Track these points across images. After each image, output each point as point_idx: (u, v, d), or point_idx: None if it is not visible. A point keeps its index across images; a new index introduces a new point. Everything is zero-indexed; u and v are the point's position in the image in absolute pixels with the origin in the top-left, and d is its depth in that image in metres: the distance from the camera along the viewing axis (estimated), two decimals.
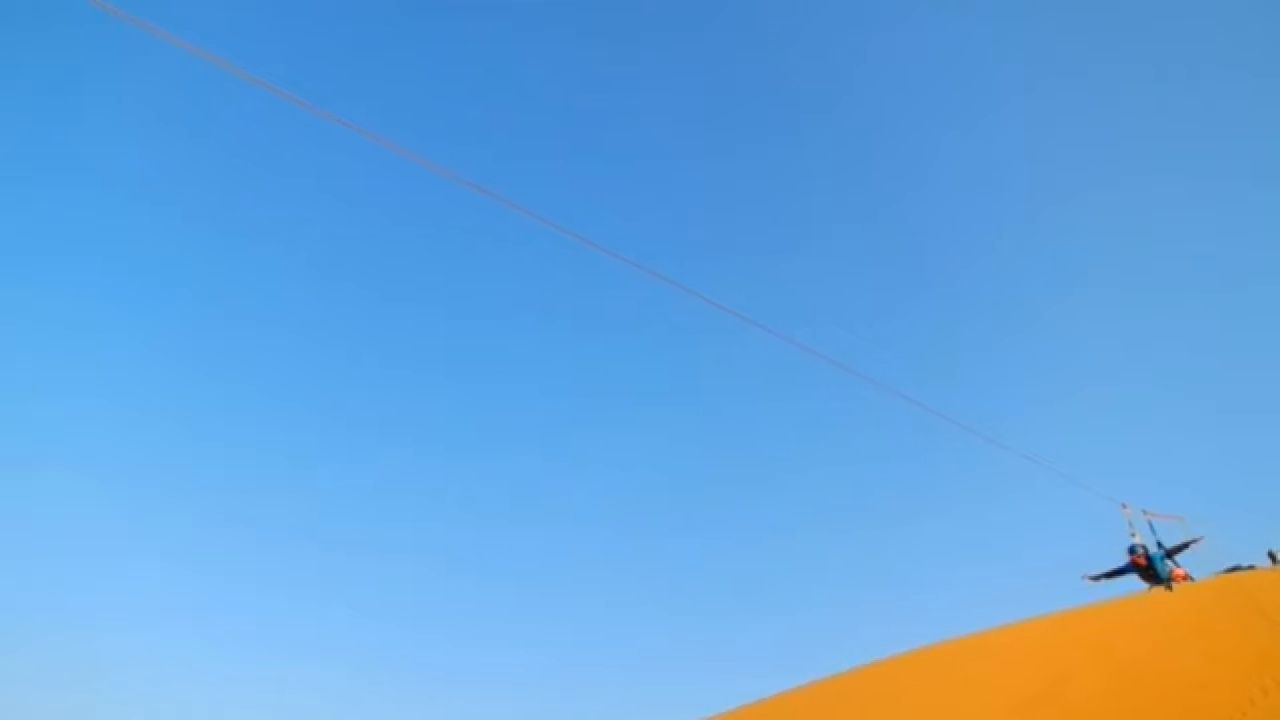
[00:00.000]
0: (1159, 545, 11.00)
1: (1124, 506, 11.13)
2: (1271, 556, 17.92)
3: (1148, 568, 10.66)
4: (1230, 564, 17.66)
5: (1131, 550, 10.86)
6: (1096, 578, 10.87)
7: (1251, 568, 17.16)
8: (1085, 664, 12.79)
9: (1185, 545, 10.99)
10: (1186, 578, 11.06)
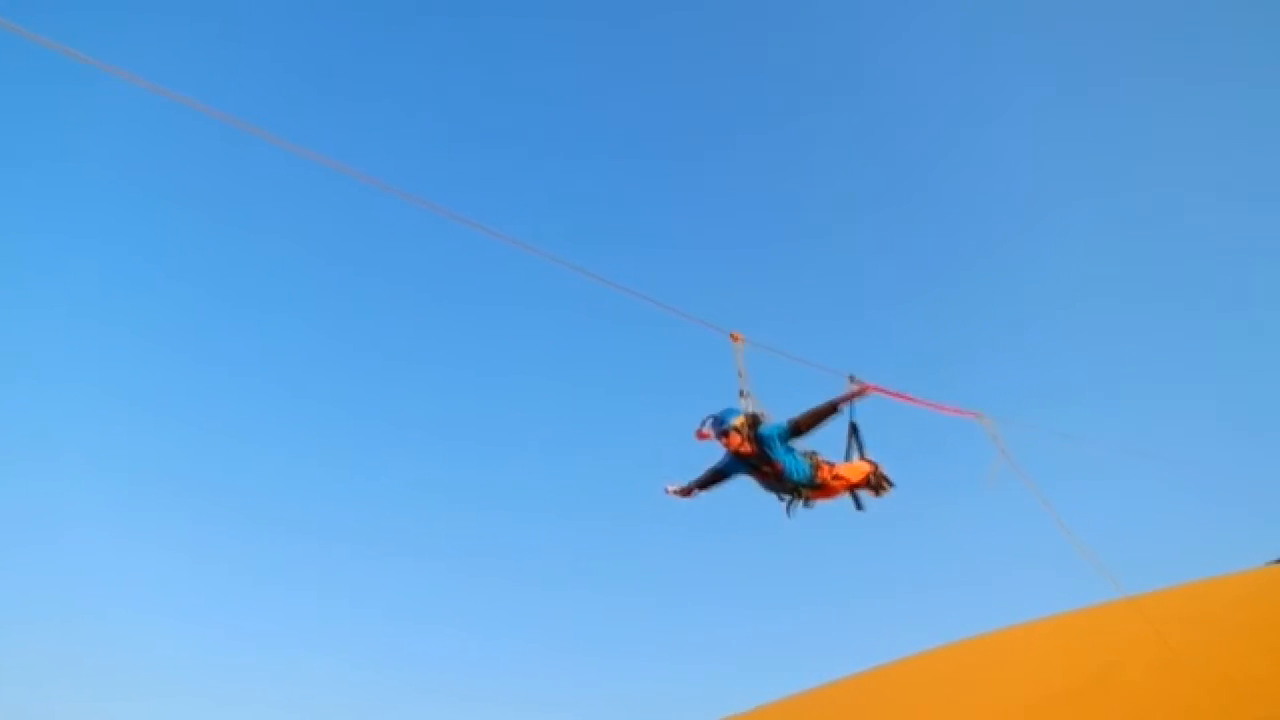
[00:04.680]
0: (793, 423, 5.59)
1: (736, 339, 5.75)
2: None
3: (762, 459, 5.52)
4: None
5: (719, 423, 5.47)
6: (687, 490, 5.85)
7: None
8: (1131, 655, 12.58)
9: (829, 410, 5.55)
10: (879, 481, 5.96)
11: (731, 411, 5.63)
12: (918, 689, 15.30)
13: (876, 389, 5.95)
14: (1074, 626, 13.99)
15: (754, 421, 5.64)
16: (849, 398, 5.70)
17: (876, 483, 6.04)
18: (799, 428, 5.63)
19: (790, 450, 5.70)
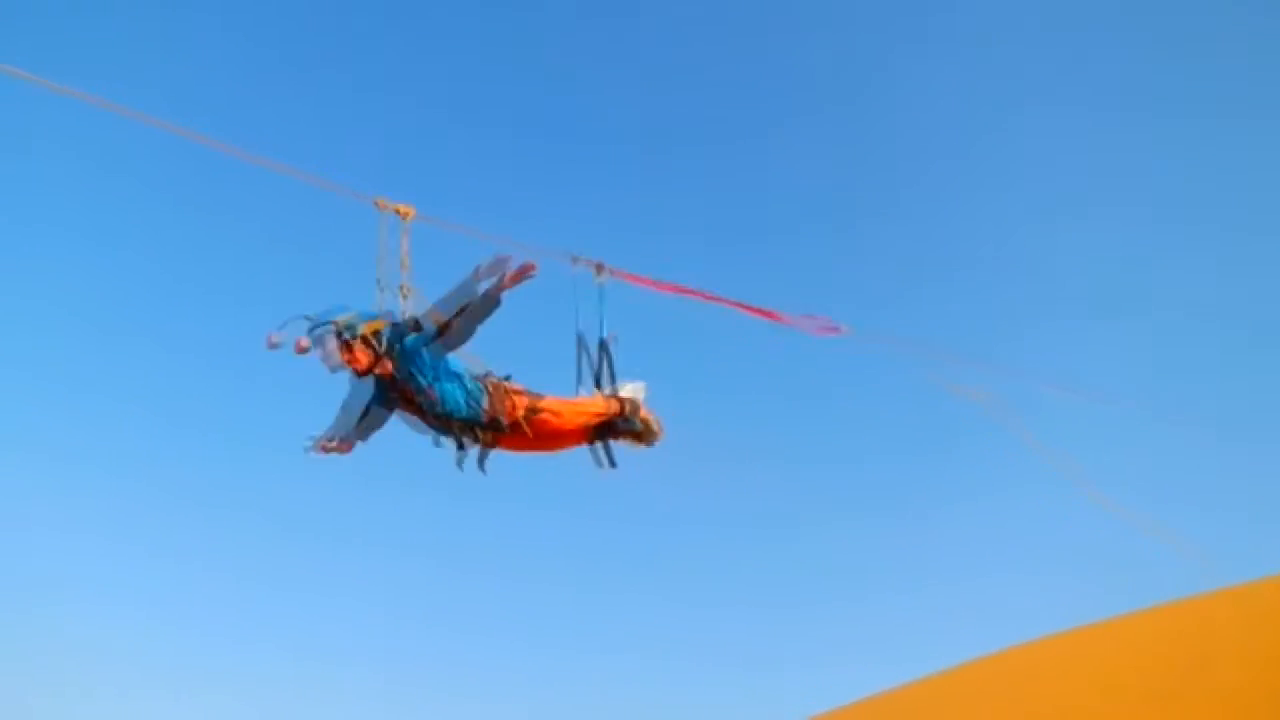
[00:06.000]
0: (441, 326, 3.97)
1: (389, 208, 4.14)
2: None
3: (409, 384, 3.91)
4: None
5: (346, 331, 3.83)
6: (340, 444, 4.18)
7: None
8: (1223, 652, 11.52)
9: (487, 302, 3.87)
10: (646, 426, 4.48)
11: (360, 315, 3.85)
12: (994, 690, 14.60)
13: (625, 275, 4.45)
14: (1160, 621, 12.98)
15: (400, 330, 3.91)
16: (507, 281, 3.84)
17: (644, 429, 4.44)
18: (449, 334, 3.88)
19: (446, 368, 3.91)
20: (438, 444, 4.19)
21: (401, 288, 4.16)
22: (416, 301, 4.12)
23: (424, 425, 4.13)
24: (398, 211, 4.17)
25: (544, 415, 4.21)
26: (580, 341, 4.56)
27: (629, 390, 4.54)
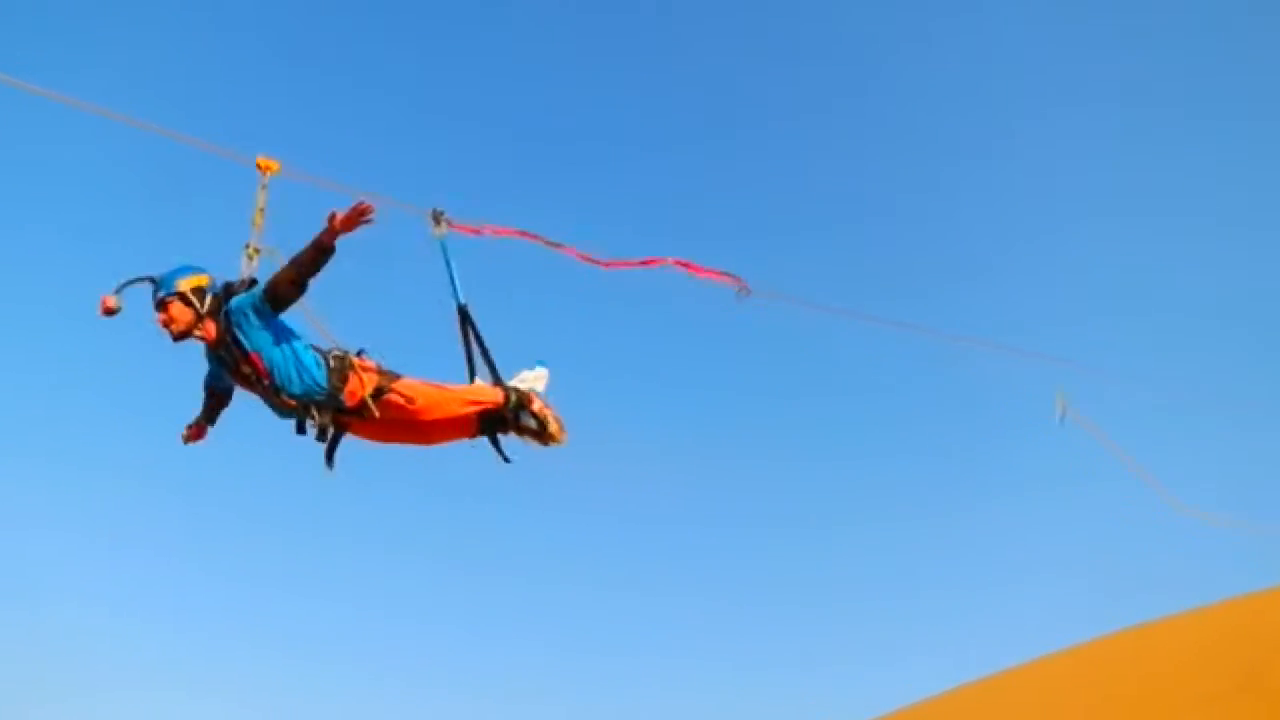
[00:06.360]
0: (272, 283, 3.33)
1: (266, 168, 3.59)
2: None
3: (238, 352, 3.30)
4: None
5: (158, 288, 3.28)
6: (197, 427, 3.71)
7: None
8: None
9: (317, 250, 3.24)
10: (543, 423, 3.78)
11: (182, 270, 3.32)
12: (1043, 693, 14.34)
13: (463, 227, 3.90)
14: (1214, 623, 12.53)
15: (230, 289, 3.38)
16: (339, 223, 3.21)
17: (540, 427, 3.74)
18: (278, 289, 3.27)
19: (281, 333, 3.31)
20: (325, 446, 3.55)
21: (247, 246, 3.51)
22: (275, 264, 3.42)
23: (266, 404, 3.46)
24: (258, 166, 3.64)
25: (394, 398, 3.48)
26: (465, 318, 3.93)
27: (524, 379, 3.90)
